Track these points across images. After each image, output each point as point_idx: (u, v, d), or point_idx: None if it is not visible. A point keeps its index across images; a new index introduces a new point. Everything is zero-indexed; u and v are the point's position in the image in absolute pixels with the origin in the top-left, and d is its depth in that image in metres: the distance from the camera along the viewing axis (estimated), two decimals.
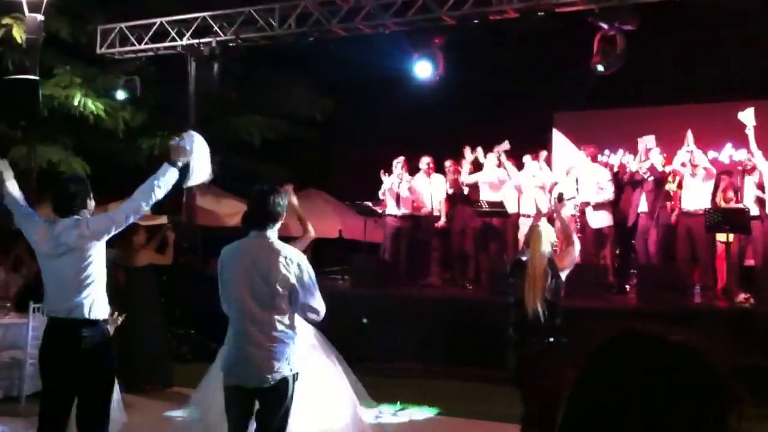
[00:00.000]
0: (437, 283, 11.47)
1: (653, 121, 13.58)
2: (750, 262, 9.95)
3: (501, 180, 11.28)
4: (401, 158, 11.78)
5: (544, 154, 11.67)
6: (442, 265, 11.72)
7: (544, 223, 5.65)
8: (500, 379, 8.37)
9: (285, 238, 4.60)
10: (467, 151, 11.68)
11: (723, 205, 9.95)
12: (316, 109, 16.44)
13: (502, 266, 10.61)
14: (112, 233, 4.60)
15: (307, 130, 16.42)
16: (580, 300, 9.46)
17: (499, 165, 11.24)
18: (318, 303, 4.31)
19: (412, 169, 11.84)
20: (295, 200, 5.39)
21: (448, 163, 12.02)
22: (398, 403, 7.63)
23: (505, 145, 11.19)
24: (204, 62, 12.07)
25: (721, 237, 10.01)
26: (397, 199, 11.71)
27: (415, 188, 11.66)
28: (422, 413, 7.50)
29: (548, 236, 5.36)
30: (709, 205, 9.85)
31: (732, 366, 1.18)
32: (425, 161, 11.73)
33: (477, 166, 11.66)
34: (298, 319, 4.48)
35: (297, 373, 4.35)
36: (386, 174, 11.85)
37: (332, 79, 15.74)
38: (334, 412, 5.43)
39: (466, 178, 11.62)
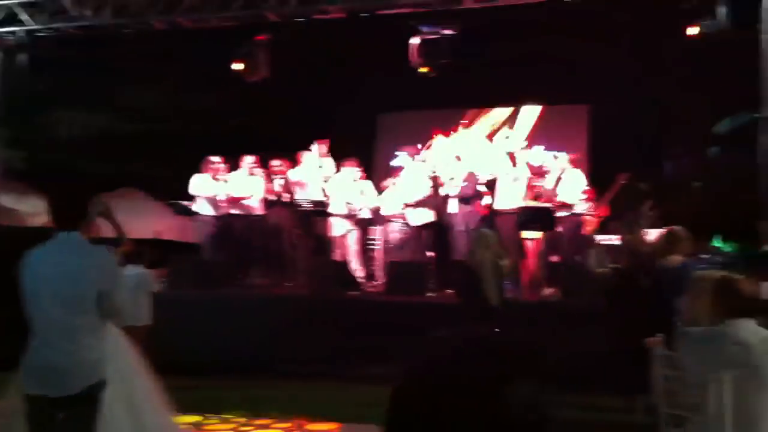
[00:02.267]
0: (257, 282, 11.36)
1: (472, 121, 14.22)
2: (555, 258, 10.61)
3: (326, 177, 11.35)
4: (215, 158, 11.47)
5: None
6: (262, 265, 11.61)
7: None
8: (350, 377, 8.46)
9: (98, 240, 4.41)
10: (315, 147, 11.56)
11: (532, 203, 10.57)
12: (134, 103, 15.87)
13: (322, 265, 10.74)
14: None
15: (126, 125, 15.81)
16: (402, 296, 9.74)
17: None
18: (124, 306, 4.18)
19: (234, 168, 11.60)
20: (109, 208, 5.16)
21: (276, 162, 11.85)
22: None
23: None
24: (11, 53, 11.34)
25: (529, 235, 10.59)
26: (214, 200, 11.40)
27: (235, 187, 11.43)
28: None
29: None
30: (520, 204, 10.41)
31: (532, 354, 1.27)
32: (249, 160, 11.54)
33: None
34: (109, 324, 4.32)
35: (104, 381, 4.17)
36: (205, 173, 11.51)
37: (155, 74, 15.23)
38: (147, 421, 5.21)
39: (295, 174, 11.49)
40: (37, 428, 4.11)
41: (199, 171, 11.51)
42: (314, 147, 11.44)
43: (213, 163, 11.38)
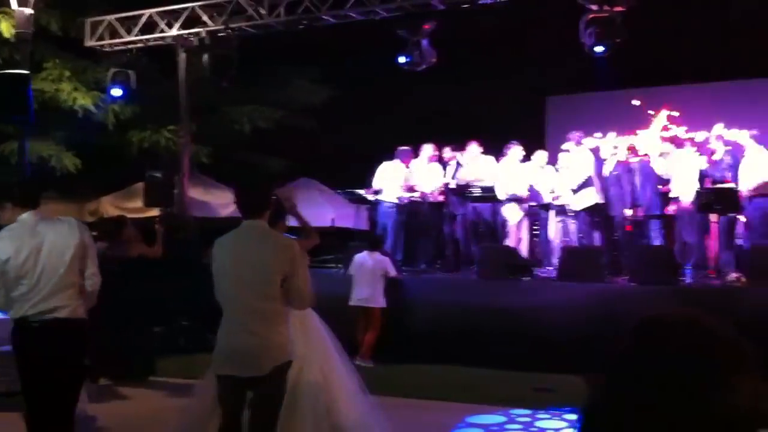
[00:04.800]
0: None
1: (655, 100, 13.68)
2: (740, 241, 9.99)
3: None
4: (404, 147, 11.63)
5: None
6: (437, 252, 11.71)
7: None
8: None
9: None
10: (472, 146, 11.54)
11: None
12: (308, 98, 16.43)
13: (493, 251, 10.67)
14: None
15: (299, 119, 16.41)
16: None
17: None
18: (308, 290, 4.34)
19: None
20: (294, 203, 5.37)
21: (447, 151, 11.88)
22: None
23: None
24: (194, 53, 12.04)
25: (712, 217, 10.04)
26: (398, 187, 11.53)
27: (414, 176, 11.56)
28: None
29: None
30: (699, 186, 9.87)
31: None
32: (429, 149, 11.60)
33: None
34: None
35: (290, 362, 4.36)
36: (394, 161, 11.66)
37: (325, 68, 15.74)
38: (340, 403, 5.28)
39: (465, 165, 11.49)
40: (228, 406, 4.34)
41: (374, 160, 11.59)
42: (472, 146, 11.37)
43: (403, 151, 11.51)
